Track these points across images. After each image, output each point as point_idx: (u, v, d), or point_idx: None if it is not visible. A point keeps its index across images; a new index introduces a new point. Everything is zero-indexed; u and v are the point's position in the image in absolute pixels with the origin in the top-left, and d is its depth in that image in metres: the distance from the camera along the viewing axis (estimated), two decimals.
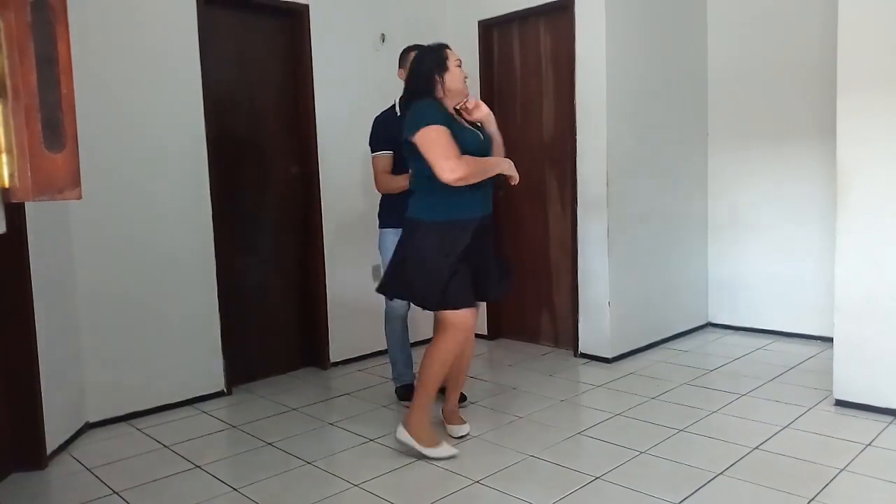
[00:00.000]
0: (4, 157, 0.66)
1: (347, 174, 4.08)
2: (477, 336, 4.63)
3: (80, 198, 0.74)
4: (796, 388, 3.38)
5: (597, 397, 3.41)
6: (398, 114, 2.96)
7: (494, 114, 2.84)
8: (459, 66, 2.69)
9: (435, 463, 2.65)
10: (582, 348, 4.08)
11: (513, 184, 2.77)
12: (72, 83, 0.68)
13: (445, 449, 2.69)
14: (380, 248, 3.33)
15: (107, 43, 3.13)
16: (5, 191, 0.68)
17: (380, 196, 3.33)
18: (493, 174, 2.66)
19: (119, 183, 3.19)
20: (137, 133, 3.25)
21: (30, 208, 2.63)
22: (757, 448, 2.68)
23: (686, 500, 2.28)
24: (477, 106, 2.74)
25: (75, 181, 0.73)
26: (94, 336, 3.14)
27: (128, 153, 3.22)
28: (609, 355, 3.96)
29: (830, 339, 3.22)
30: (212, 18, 3.50)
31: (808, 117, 4.10)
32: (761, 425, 2.92)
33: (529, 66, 4.27)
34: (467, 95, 2.73)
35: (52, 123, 0.67)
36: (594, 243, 3.93)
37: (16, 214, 2.55)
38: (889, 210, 2.91)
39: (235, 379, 3.69)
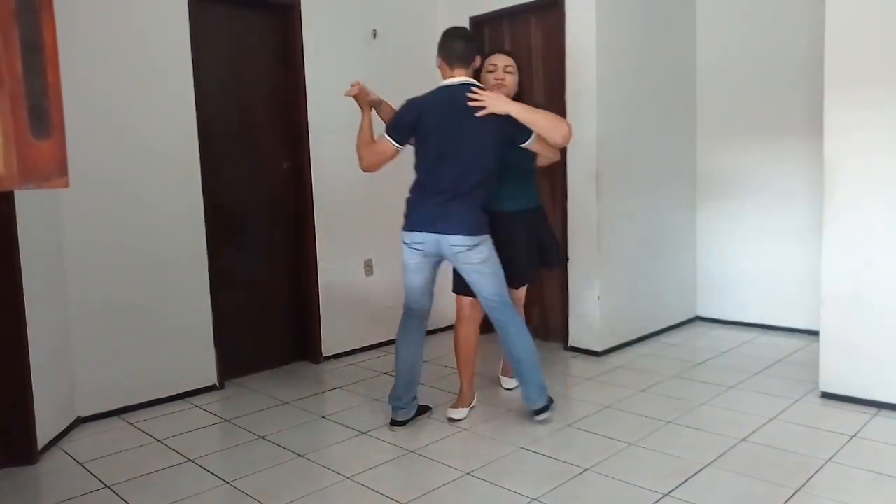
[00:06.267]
0: None
1: (339, 169, 4.08)
2: None
3: (67, 186, 0.73)
4: (783, 381, 3.41)
5: (586, 390, 3.44)
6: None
7: None
8: None
9: (425, 454, 2.67)
10: (572, 342, 4.10)
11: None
12: (58, 71, 0.68)
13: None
14: None
15: (96, 37, 3.12)
16: None
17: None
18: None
19: (110, 177, 3.19)
20: (128, 127, 3.24)
21: (19, 200, 2.62)
22: (744, 440, 2.71)
23: (674, 491, 2.30)
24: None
25: (62, 169, 0.73)
26: (85, 330, 3.14)
27: (118, 147, 3.21)
28: (598, 349, 3.98)
29: (817, 333, 3.25)
30: (203, 13, 3.49)
31: (796, 112, 4.12)
32: (748, 417, 2.95)
33: (520, 63, 4.25)
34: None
35: (38, 111, 0.67)
36: (584, 237, 3.95)
37: (5, 205, 2.54)
38: (875, 204, 2.94)
39: (227, 373, 3.69)
